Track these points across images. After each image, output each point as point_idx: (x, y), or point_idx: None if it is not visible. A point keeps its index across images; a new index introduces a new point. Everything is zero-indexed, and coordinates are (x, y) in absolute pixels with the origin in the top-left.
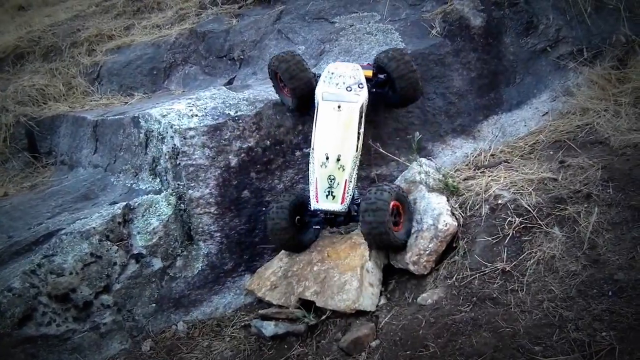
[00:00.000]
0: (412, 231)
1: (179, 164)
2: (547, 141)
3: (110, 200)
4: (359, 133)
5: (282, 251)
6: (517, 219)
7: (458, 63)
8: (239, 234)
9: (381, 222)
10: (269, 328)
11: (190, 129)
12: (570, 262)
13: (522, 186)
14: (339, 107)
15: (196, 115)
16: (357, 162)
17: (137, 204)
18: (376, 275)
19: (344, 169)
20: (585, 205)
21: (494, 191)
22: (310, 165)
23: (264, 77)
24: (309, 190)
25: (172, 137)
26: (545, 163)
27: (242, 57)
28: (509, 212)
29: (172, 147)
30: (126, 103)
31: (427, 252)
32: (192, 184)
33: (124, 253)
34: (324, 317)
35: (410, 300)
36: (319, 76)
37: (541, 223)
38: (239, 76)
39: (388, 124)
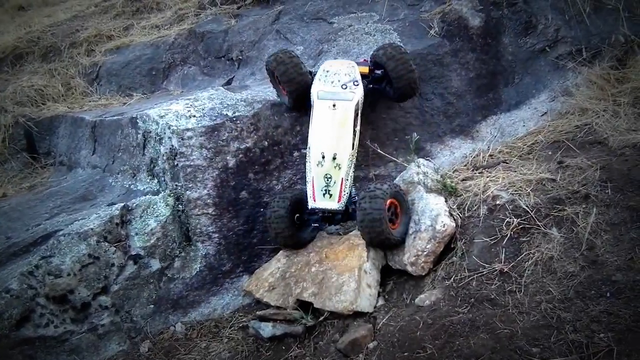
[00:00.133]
0: (410, 232)
1: (177, 164)
2: (545, 141)
3: (109, 201)
4: (354, 131)
5: (280, 252)
6: (515, 219)
7: (456, 63)
8: (237, 235)
9: (378, 220)
10: (267, 329)
11: (187, 129)
12: (568, 263)
13: (520, 187)
14: (334, 105)
15: (194, 116)
16: (354, 160)
17: (135, 205)
18: (374, 277)
19: (340, 168)
20: (584, 206)
21: (492, 192)
22: (307, 164)
23: (263, 77)
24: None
25: (169, 137)
26: (544, 163)
27: (240, 57)
28: (507, 212)
29: (170, 148)
30: (125, 104)
31: (425, 253)
32: (190, 185)
33: (121, 254)
34: (321, 318)
35: (408, 301)
36: (315, 74)
37: (539, 224)
38: (237, 77)
39: (386, 124)
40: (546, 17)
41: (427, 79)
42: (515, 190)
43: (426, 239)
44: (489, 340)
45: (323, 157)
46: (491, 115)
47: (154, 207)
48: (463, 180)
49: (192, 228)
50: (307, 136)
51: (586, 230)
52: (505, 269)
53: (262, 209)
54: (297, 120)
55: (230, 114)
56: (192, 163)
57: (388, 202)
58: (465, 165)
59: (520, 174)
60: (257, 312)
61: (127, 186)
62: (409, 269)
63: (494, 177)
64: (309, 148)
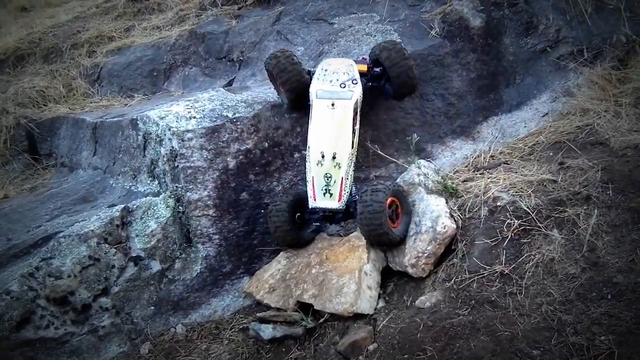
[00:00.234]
0: (411, 233)
1: (177, 166)
2: (547, 142)
3: (109, 203)
4: (354, 130)
5: (281, 254)
6: (516, 221)
7: (457, 64)
8: (237, 237)
9: (378, 218)
10: (267, 331)
11: (188, 131)
12: (569, 265)
13: (521, 188)
14: (332, 104)
15: (194, 117)
16: (354, 159)
17: (135, 206)
18: (374, 278)
19: (340, 167)
20: (585, 207)
21: (493, 193)
22: (307, 164)
23: (263, 78)
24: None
25: (170, 139)
26: (545, 164)
27: (241, 58)
28: (508, 214)
29: (170, 150)
30: (126, 105)
31: (426, 254)
32: (191, 186)
33: (122, 256)
34: (322, 320)
35: (408, 303)
36: (314, 73)
37: (540, 225)
38: (238, 77)
39: (387, 125)
40: (547, 17)
41: (427, 79)
42: (516, 192)
43: (427, 241)
44: (489, 342)
45: (323, 157)
46: (492, 116)
47: (155, 208)
48: (464, 181)
49: (193, 229)
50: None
51: (587, 232)
52: (506, 271)
53: (262, 210)
54: (298, 122)
55: (230, 115)
56: (192, 164)
57: (389, 199)
58: (466, 166)
59: (521, 175)
60: (258, 314)
61: (128, 187)
62: (410, 270)
63: (494, 178)
64: (309, 147)
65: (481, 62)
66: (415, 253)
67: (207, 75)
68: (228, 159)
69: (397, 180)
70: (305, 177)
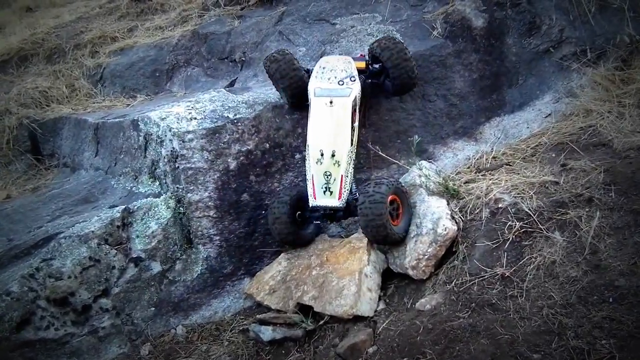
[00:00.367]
0: (412, 235)
1: (178, 167)
2: (549, 143)
3: (110, 204)
4: (353, 127)
5: (282, 255)
6: (517, 223)
7: (459, 64)
8: (238, 238)
9: (379, 215)
10: (267, 333)
11: (188, 132)
12: (570, 268)
13: (523, 190)
14: (331, 102)
15: (195, 119)
16: (353, 156)
17: (136, 207)
18: (375, 280)
19: (339, 165)
20: (587, 210)
21: (494, 195)
22: (306, 162)
23: (265, 78)
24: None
25: (170, 140)
26: (547, 166)
27: (243, 58)
28: (509, 216)
29: (171, 151)
30: (128, 105)
31: (426, 256)
32: (191, 187)
33: (122, 257)
34: (322, 322)
35: (409, 305)
36: (311, 72)
37: (542, 227)
38: (240, 78)
39: (389, 126)
40: (550, 17)
41: (429, 80)
42: (518, 193)
43: (427, 243)
44: (489, 345)
45: (322, 155)
46: (495, 117)
47: (155, 209)
48: (466, 182)
49: (194, 230)
50: None
51: (589, 234)
52: (507, 274)
53: (263, 212)
54: (299, 122)
55: (231, 116)
56: (193, 165)
57: (390, 196)
58: (468, 168)
59: (523, 176)
60: (257, 316)
61: (129, 188)
62: (410, 272)
63: (496, 179)
64: (308, 146)
65: (483, 62)
66: (416, 255)
67: (209, 75)
68: (229, 160)
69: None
70: (305, 176)
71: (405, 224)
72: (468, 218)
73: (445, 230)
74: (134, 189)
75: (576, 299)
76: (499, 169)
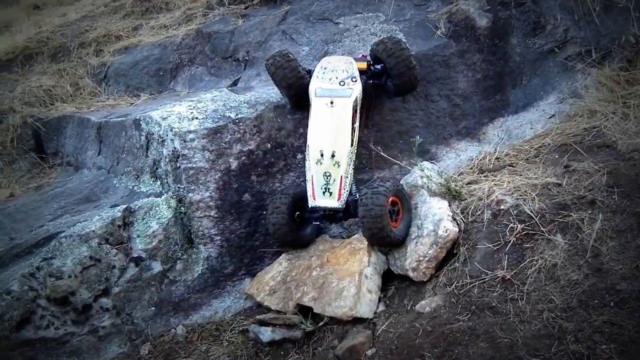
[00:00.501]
0: (413, 237)
1: (179, 167)
2: (553, 144)
3: (112, 203)
4: (353, 128)
5: (282, 255)
6: (519, 225)
7: (463, 64)
8: (239, 238)
9: (379, 217)
10: (266, 334)
11: (190, 132)
12: (572, 271)
13: (525, 191)
14: (331, 102)
15: (196, 118)
16: (353, 157)
17: (137, 207)
18: (375, 282)
19: (339, 165)
20: (590, 212)
21: (496, 196)
22: (306, 163)
23: (268, 78)
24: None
25: (172, 140)
26: (550, 167)
27: (246, 58)
28: (511, 218)
29: (172, 150)
30: (132, 104)
31: (427, 258)
32: (192, 187)
33: (123, 256)
34: (321, 323)
35: (409, 307)
36: (312, 72)
37: (544, 230)
38: (243, 77)
39: (391, 126)
40: (555, 17)
41: (433, 80)
42: (520, 195)
43: (428, 244)
44: (488, 349)
45: (322, 155)
46: (498, 118)
47: (156, 209)
48: (468, 183)
49: (194, 230)
50: None
51: (591, 237)
52: (508, 276)
53: (264, 212)
54: (301, 123)
55: (233, 116)
56: (194, 165)
57: (390, 199)
58: (471, 169)
59: (526, 178)
60: (257, 317)
61: (131, 188)
62: (411, 274)
63: (499, 181)
64: (308, 146)
65: (487, 62)
66: (417, 257)
67: (213, 74)
68: (230, 160)
69: (400, 182)
70: (305, 176)
71: (405, 226)
72: (470, 219)
73: (446, 232)
74: (135, 188)
75: (577, 302)
76: (501, 170)
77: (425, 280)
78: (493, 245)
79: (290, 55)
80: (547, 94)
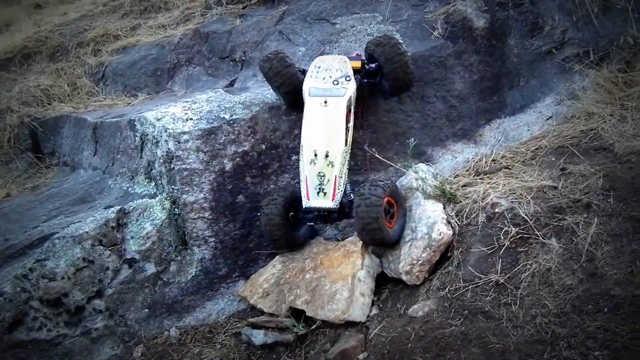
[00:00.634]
0: (407, 239)
1: (173, 168)
2: (549, 147)
3: (106, 204)
4: (347, 127)
5: (276, 258)
6: (513, 228)
7: (460, 65)
8: (233, 240)
9: (375, 218)
10: (259, 337)
11: (184, 132)
12: (566, 276)
13: (520, 194)
14: (325, 102)
15: (191, 119)
16: (347, 157)
17: (131, 208)
18: (368, 285)
19: (333, 165)
20: (585, 216)
21: (491, 199)
22: (300, 163)
23: (264, 78)
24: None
25: (166, 141)
26: (546, 170)
27: (243, 58)
28: (505, 221)
29: (167, 151)
30: (129, 104)
31: (420, 261)
32: (187, 189)
33: (116, 258)
34: (314, 326)
35: (402, 311)
36: (306, 71)
37: (538, 233)
38: (240, 78)
39: (387, 128)
40: (553, 18)
41: (429, 81)
42: (516, 198)
43: (422, 248)
44: (480, 355)
45: (315, 155)
46: (495, 119)
47: (150, 210)
48: (463, 186)
49: (188, 232)
50: None
51: (586, 241)
52: (501, 280)
53: (259, 213)
54: (296, 124)
55: (227, 117)
56: (188, 166)
57: (385, 201)
58: (467, 171)
59: (522, 180)
60: (250, 319)
61: (125, 189)
62: (404, 277)
63: (494, 183)
64: (302, 146)
65: (484, 63)
66: (410, 260)
67: (210, 75)
68: (224, 161)
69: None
70: (299, 177)
71: (400, 226)
72: (464, 222)
73: (440, 235)
74: (130, 189)
75: (570, 308)
76: (497, 173)
77: (418, 283)
78: (487, 249)
79: (284, 55)
80: (544, 96)
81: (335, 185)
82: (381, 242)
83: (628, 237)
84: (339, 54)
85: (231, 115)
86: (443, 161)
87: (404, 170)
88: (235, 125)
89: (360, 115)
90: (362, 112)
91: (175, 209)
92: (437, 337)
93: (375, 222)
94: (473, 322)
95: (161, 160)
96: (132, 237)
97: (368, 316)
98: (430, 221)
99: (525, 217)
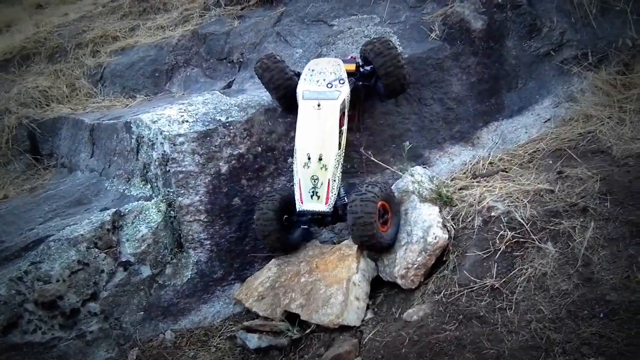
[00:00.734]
0: (402, 243)
1: (169, 170)
2: (547, 149)
3: (102, 206)
4: (340, 130)
5: (272, 261)
6: (509, 233)
7: (457, 67)
8: (229, 242)
9: (369, 223)
10: (253, 341)
11: (179, 135)
12: (562, 280)
13: (517, 198)
14: (318, 105)
15: (186, 121)
16: (341, 160)
17: (127, 210)
18: (363, 289)
19: (326, 169)
20: (581, 220)
21: (487, 203)
22: (294, 166)
23: None
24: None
25: (162, 143)
26: (543, 173)
27: (241, 59)
28: (501, 225)
29: (162, 154)
30: (127, 105)
31: (415, 265)
32: (182, 191)
33: (112, 260)
34: (308, 330)
35: (397, 315)
36: (300, 74)
37: (534, 238)
38: (237, 79)
39: (384, 130)
40: (551, 19)
41: (426, 83)
42: (512, 202)
43: (417, 251)
44: None
45: (309, 159)
46: (493, 122)
47: (146, 213)
48: (460, 189)
49: (184, 234)
50: None
51: (582, 246)
52: (496, 285)
53: (255, 216)
54: (292, 126)
55: (223, 119)
56: (184, 169)
57: (378, 205)
58: (464, 173)
59: (518, 184)
60: (244, 323)
61: (122, 191)
62: (399, 281)
63: (491, 186)
64: (295, 149)
65: (482, 65)
66: (405, 264)
67: (208, 76)
68: (220, 164)
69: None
70: (293, 180)
71: (394, 230)
72: (460, 226)
73: (435, 239)
74: (126, 191)
75: (566, 313)
76: (494, 176)
77: (413, 288)
78: (483, 253)
79: (278, 57)
80: (542, 98)
81: (328, 188)
82: (376, 247)
83: (625, 241)
84: (335, 56)
85: (227, 118)
86: (440, 164)
87: (401, 173)
88: (231, 127)
89: (357, 118)
90: (358, 115)
91: (171, 212)
92: (431, 342)
93: (369, 230)
94: (468, 327)
95: (157, 163)
96: (127, 240)
97: (363, 320)
98: (425, 225)
99: (522, 221)
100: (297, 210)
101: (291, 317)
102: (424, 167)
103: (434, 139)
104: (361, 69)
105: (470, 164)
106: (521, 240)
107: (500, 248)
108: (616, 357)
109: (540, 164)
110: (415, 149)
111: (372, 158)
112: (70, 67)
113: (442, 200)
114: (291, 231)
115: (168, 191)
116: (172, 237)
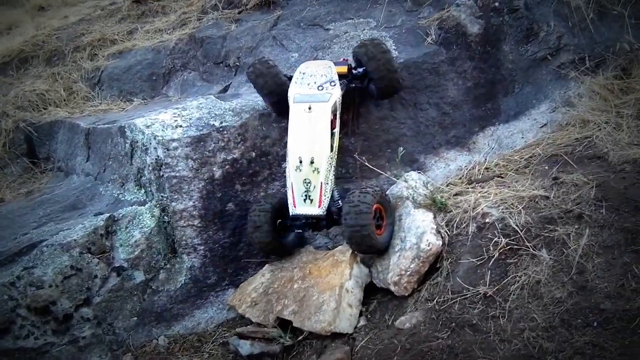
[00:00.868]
0: (396, 249)
1: (162, 175)
2: (543, 155)
3: (97, 211)
4: (332, 133)
5: (266, 266)
6: (503, 239)
7: (453, 72)
8: (223, 248)
9: (364, 226)
10: (245, 347)
11: (173, 140)
12: (555, 288)
13: (512, 204)
14: (309, 108)
15: (180, 126)
16: (333, 163)
17: (121, 215)
18: (356, 295)
19: (318, 172)
20: (576, 227)
21: (482, 209)
22: (286, 170)
23: None
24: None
25: (155, 148)
26: (539, 179)
27: (237, 63)
28: (496, 231)
29: (156, 159)
30: (124, 109)
31: (409, 272)
32: (176, 196)
33: (105, 266)
34: (300, 337)
35: (389, 322)
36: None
37: (528, 245)
38: (233, 83)
39: (379, 135)
40: (548, 24)
41: (422, 88)
42: (507, 208)
43: (410, 258)
44: None
45: (301, 162)
46: (489, 126)
47: (140, 218)
48: (455, 195)
49: (178, 240)
50: None
51: (577, 253)
52: (490, 293)
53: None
54: (286, 131)
55: (217, 124)
56: (177, 174)
57: (375, 206)
58: (459, 179)
59: (514, 190)
60: (237, 329)
61: (116, 196)
62: (392, 288)
63: (486, 192)
64: (287, 153)
65: (478, 70)
66: (398, 270)
67: (204, 80)
68: (214, 169)
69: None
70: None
71: (389, 233)
72: (454, 232)
73: (428, 245)
74: (120, 196)
75: (559, 321)
76: (489, 181)
77: (407, 294)
78: (476, 260)
79: (271, 62)
80: (539, 103)
81: (321, 191)
82: (372, 250)
83: (620, 249)
84: (330, 60)
85: (221, 123)
86: (436, 169)
87: (395, 179)
88: (225, 132)
89: (352, 122)
90: (353, 119)
91: (165, 217)
92: (423, 350)
93: (365, 231)
94: (460, 335)
95: (150, 168)
96: (121, 245)
97: (356, 327)
98: (419, 231)
99: (516, 227)
100: (291, 214)
101: (284, 324)
102: (419, 173)
103: (429, 144)
104: (353, 71)
105: (466, 169)
106: (515, 247)
107: (494, 255)
108: None
109: (536, 170)
110: (411, 154)
111: (367, 164)
112: (68, 71)
113: (436, 206)
114: (285, 235)
115: (162, 196)
116: (165, 242)
